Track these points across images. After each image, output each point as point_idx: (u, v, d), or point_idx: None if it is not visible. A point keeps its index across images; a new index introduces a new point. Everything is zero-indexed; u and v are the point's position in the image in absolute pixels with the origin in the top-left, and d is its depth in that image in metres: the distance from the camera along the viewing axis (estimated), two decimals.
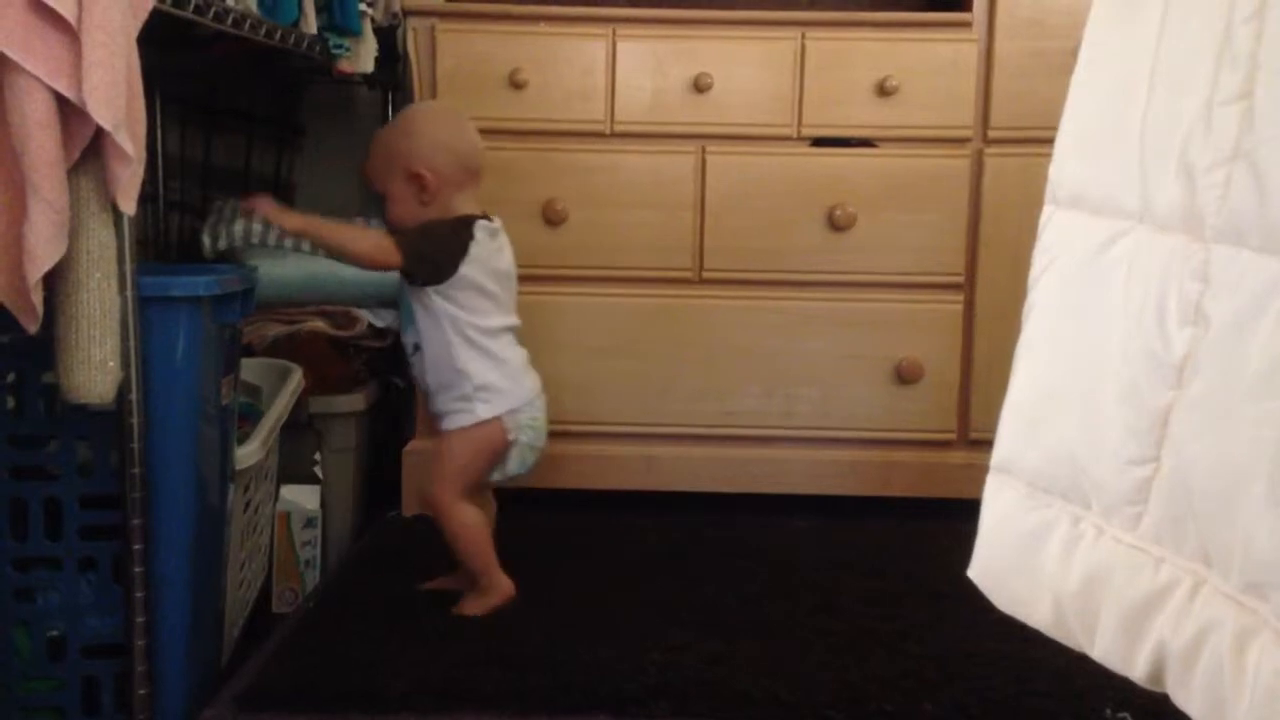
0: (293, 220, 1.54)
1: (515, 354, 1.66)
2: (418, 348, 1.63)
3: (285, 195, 2.53)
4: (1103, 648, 0.82)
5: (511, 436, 1.63)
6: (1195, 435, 0.74)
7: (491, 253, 1.63)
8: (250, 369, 1.80)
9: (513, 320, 1.67)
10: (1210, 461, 0.72)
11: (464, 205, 1.64)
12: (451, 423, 1.63)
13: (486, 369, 1.62)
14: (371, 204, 2.53)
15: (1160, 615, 0.76)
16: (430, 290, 1.59)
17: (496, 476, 1.67)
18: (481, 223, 1.63)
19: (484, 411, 1.61)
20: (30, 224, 1.12)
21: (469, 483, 1.63)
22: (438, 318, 1.60)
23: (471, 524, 1.63)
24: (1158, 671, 0.78)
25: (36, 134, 1.11)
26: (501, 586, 1.64)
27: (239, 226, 2.19)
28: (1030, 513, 0.88)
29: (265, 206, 1.55)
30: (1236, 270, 0.71)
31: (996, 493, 0.93)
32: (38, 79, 1.11)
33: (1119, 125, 0.83)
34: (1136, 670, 0.79)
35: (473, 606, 1.63)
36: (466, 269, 1.59)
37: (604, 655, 1.49)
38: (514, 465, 1.66)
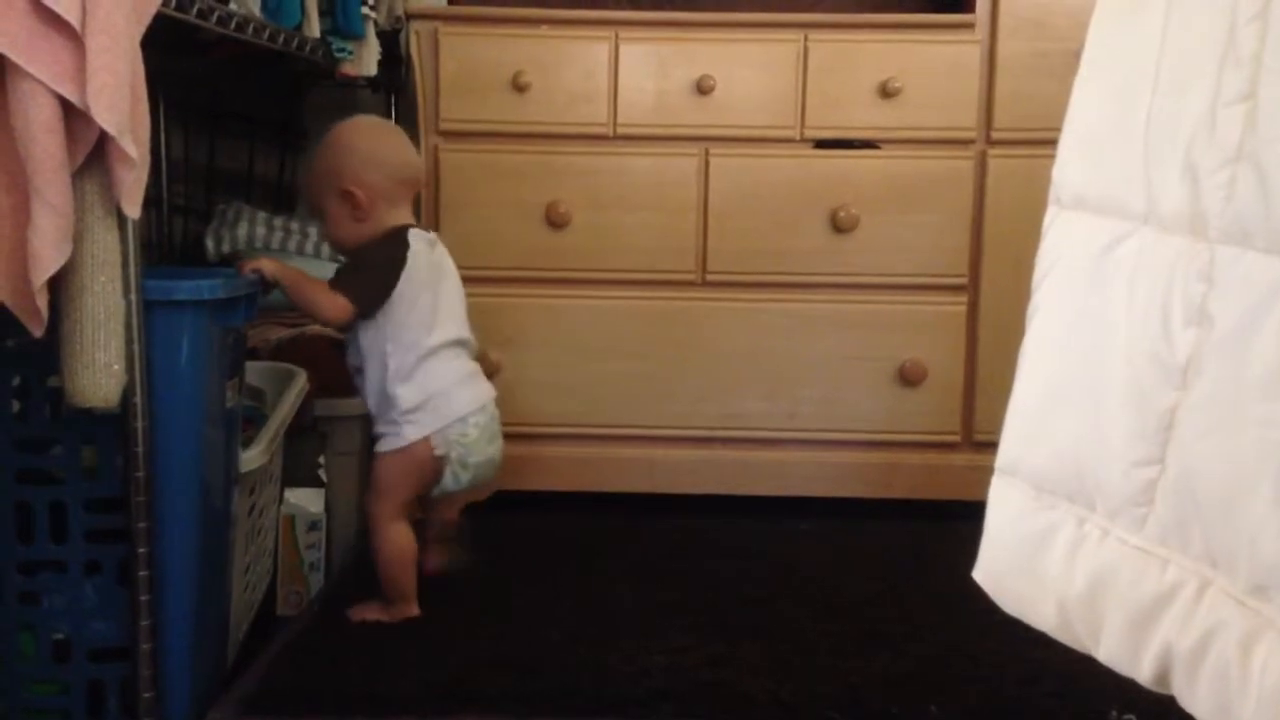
0: (270, 266, 1.53)
1: (452, 369, 1.64)
2: (359, 370, 1.64)
3: (288, 198, 2.54)
4: (1108, 650, 0.81)
5: (439, 453, 1.61)
6: (1200, 437, 0.74)
7: (429, 264, 1.63)
8: (254, 372, 1.80)
9: (454, 333, 1.65)
10: (1216, 463, 0.72)
11: (398, 218, 1.64)
12: (382, 445, 1.63)
13: (414, 393, 1.60)
14: None
15: (1166, 617, 0.76)
16: (379, 318, 1.59)
17: (438, 494, 1.67)
18: (416, 232, 1.63)
19: (410, 434, 1.61)
20: (35, 228, 1.13)
21: (400, 502, 1.63)
22: (374, 339, 1.61)
23: (397, 547, 1.62)
24: (1164, 673, 0.77)
25: (41, 138, 1.11)
26: (407, 611, 1.63)
27: (243, 230, 2.19)
28: (1035, 515, 0.88)
29: (260, 263, 1.54)
30: (1241, 271, 0.71)
31: (1001, 495, 0.93)
32: (42, 83, 1.11)
33: (1123, 126, 0.83)
34: (1143, 672, 0.79)
35: (373, 613, 1.63)
36: (401, 283, 1.59)
37: (608, 658, 1.49)
38: (448, 482, 1.64)
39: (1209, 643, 0.74)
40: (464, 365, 1.67)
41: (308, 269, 1.98)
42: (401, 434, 1.61)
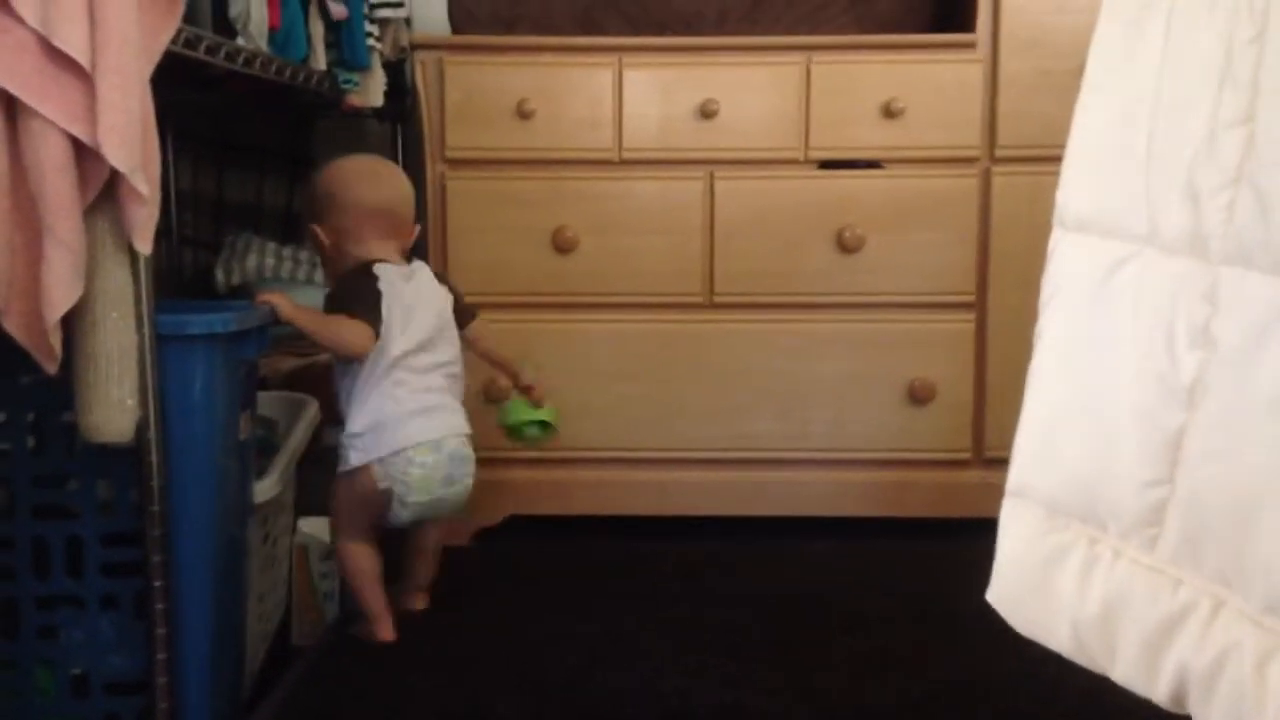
0: (288, 310, 1.53)
1: (413, 398, 1.63)
2: (338, 393, 1.68)
3: (296, 228, 2.55)
4: (1124, 670, 0.82)
5: (382, 485, 1.61)
6: (1209, 457, 0.74)
7: (400, 296, 1.64)
8: (266, 402, 1.81)
9: (428, 361, 1.66)
10: (1225, 483, 0.73)
11: (371, 252, 1.67)
12: (338, 466, 1.65)
13: (363, 418, 1.62)
14: None
15: (1180, 637, 0.76)
16: None
17: (395, 522, 1.67)
18: (383, 266, 1.65)
19: (354, 459, 1.62)
20: (48, 266, 1.14)
21: (353, 526, 1.65)
22: (347, 365, 1.64)
23: (356, 567, 1.65)
24: (1180, 693, 0.78)
25: (52, 177, 1.13)
26: (379, 633, 1.65)
27: (252, 261, 2.20)
28: (1047, 536, 0.89)
29: (274, 297, 1.56)
30: (1243, 292, 0.72)
31: (1013, 517, 0.94)
32: (53, 123, 1.12)
33: (1124, 149, 0.83)
34: (1158, 692, 0.79)
35: (358, 631, 1.67)
36: None
37: (623, 680, 1.49)
38: (395, 514, 1.64)
39: (1224, 662, 0.74)
40: (431, 398, 1.66)
41: (317, 298, 1.99)
42: (347, 459, 1.63)
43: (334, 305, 1.63)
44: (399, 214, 1.71)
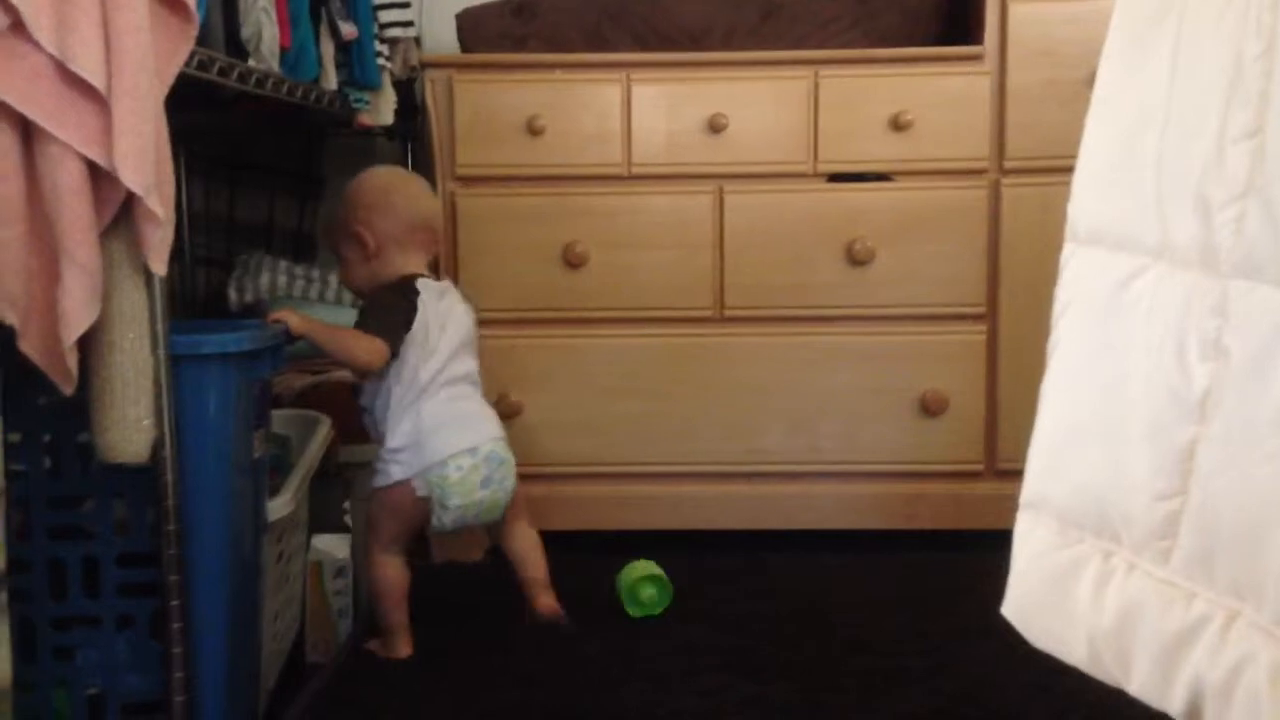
0: (300, 324, 1.55)
1: (449, 410, 1.67)
2: (367, 411, 1.69)
3: (307, 246, 2.57)
4: (1139, 683, 0.81)
5: (422, 494, 1.65)
6: (1221, 469, 0.74)
7: (436, 313, 1.67)
8: (278, 419, 1.81)
9: (458, 371, 1.69)
10: (1237, 495, 0.73)
11: (409, 265, 1.70)
12: (374, 481, 1.68)
13: (404, 433, 1.65)
14: None
15: (1195, 649, 0.76)
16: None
17: (431, 533, 1.71)
18: (425, 282, 1.68)
19: (397, 473, 1.65)
20: (64, 289, 1.15)
21: (390, 539, 1.67)
22: (380, 380, 1.65)
23: (386, 582, 1.67)
24: (1195, 706, 0.77)
25: (69, 200, 1.14)
26: (397, 649, 1.67)
27: (264, 279, 2.21)
28: (1061, 549, 0.89)
29: (285, 314, 1.57)
30: (1254, 305, 0.72)
31: (1027, 530, 0.94)
32: (69, 147, 1.13)
33: (1135, 162, 0.84)
34: (1174, 705, 0.79)
35: (374, 645, 1.69)
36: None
37: (640, 700, 1.49)
38: (433, 522, 1.67)
39: (1239, 674, 0.74)
40: (465, 406, 1.70)
41: (328, 316, 2.01)
42: (388, 473, 1.66)
43: (369, 313, 1.64)
44: (438, 228, 1.76)
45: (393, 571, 1.67)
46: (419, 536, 1.74)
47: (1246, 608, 0.73)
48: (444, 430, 1.66)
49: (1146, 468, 0.79)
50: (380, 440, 1.67)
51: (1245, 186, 0.73)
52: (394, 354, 1.63)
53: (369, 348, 1.60)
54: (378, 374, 1.66)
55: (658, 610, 1.79)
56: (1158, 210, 0.81)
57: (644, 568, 1.83)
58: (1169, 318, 0.78)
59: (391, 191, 1.70)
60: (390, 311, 1.64)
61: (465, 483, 1.65)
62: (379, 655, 1.67)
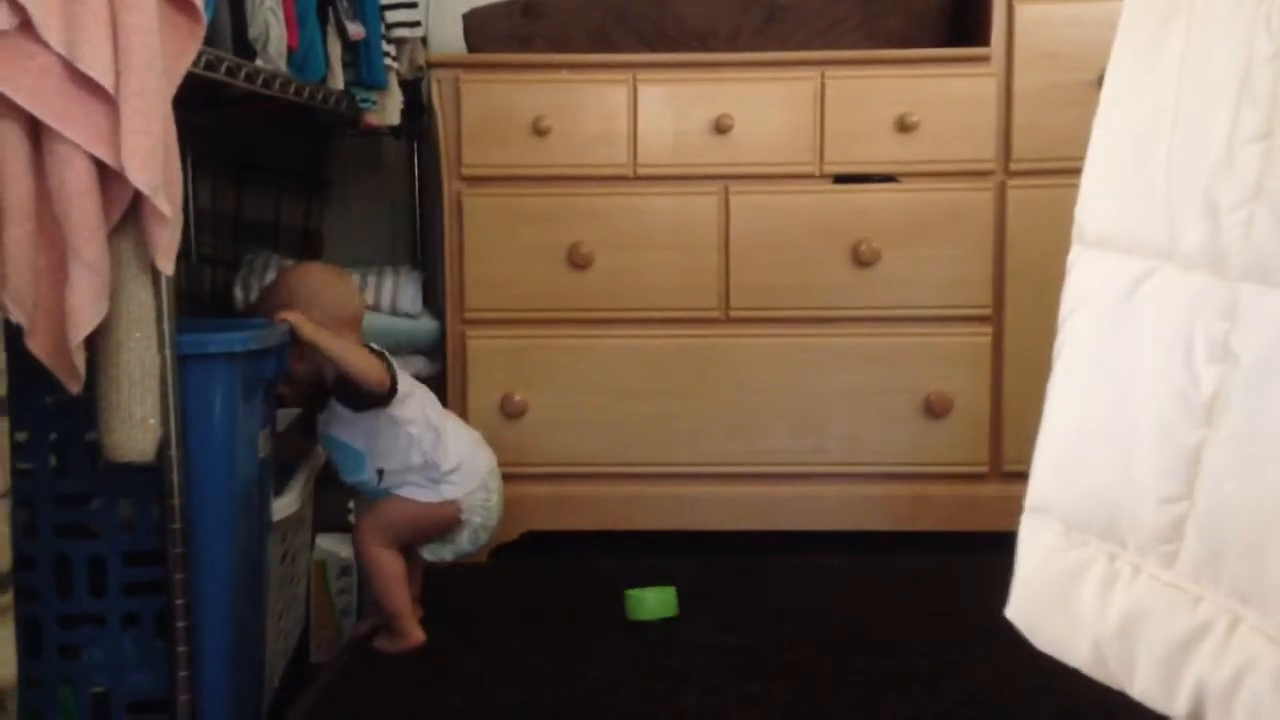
0: (308, 330, 1.58)
1: (467, 433, 1.76)
2: (381, 473, 1.70)
3: (313, 246, 2.57)
4: (1142, 686, 0.81)
5: (464, 517, 1.70)
6: (1228, 473, 0.74)
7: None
8: (284, 419, 1.82)
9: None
10: (1244, 499, 0.72)
11: None
12: (411, 492, 1.69)
13: (456, 453, 1.70)
14: (398, 252, 2.57)
15: (1199, 653, 0.76)
16: (393, 407, 1.67)
17: (448, 556, 1.74)
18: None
19: (447, 493, 1.69)
20: (72, 288, 1.15)
21: (401, 542, 1.70)
22: (401, 426, 1.67)
23: (389, 571, 1.69)
24: (1198, 710, 0.77)
25: (77, 199, 1.14)
26: (411, 635, 1.70)
27: (270, 279, 2.21)
28: (1067, 552, 0.88)
29: (292, 316, 1.58)
30: (1263, 308, 0.72)
31: (1033, 533, 0.93)
32: (77, 146, 1.13)
33: (1143, 165, 0.84)
34: (1177, 708, 0.79)
35: (384, 644, 1.70)
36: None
37: (642, 699, 1.49)
38: (465, 543, 1.73)
39: (1242, 679, 0.73)
40: (472, 431, 1.78)
41: None
42: (439, 491, 1.69)
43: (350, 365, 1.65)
44: (360, 316, 1.76)
45: (396, 562, 1.70)
46: None
47: (1251, 612, 0.73)
48: (475, 451, 1.73)
49: (1153, 471, 0.79)
50: (425, 467, 1.68)
51: (1255, 189, 0.73)
52: (392, 381, 1.65)
53: (375, 363, 1.64)
54: (393, 424, 1.68)
55: (658, 616, 1.79)
56: (1166, 213, 0.81)
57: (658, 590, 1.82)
58: (1177, 320, 0.78)
59: (320, 287, 1.71)
60: (370, 355, 1.66)
61: (498, 503, 1.74)
62: (389, 651, 1.67)
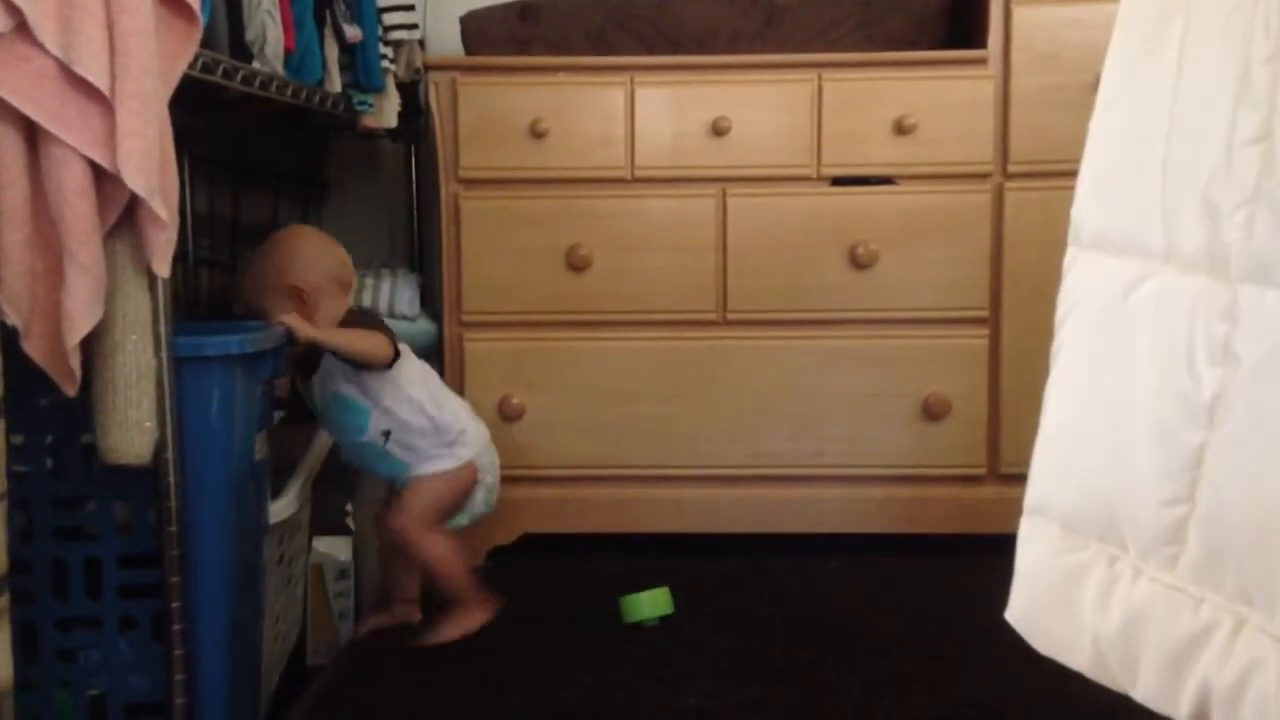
0: (307, 330, 1.58)
1: (459, 400, 1.83)
2: (388, 434, 1.71)
3: None
4: (1145, 689, 0.81)
5: (479, 477, 1.77)
6: (1230, 475, 0.74)
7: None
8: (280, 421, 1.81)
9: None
10: (1246, 501, 0.72)
11: (340, 308, 1.73)
12: (431, 467, 1.73)
13: (460, 415, 1.76)
14: (396, 255, 2.57)
15: (1203, 655, 0.76)
16: (394, 370, 1.70)
17: (464, 521, 1.78)
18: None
19: (464, 454, 1.75)
20: (68, 290, 1.15)
21: (442, 519, 1.74)
22: (402, 388, 1.71)
23: (446, 551, 1.73)
24: (1203, 711, 0.77)
25: (73, 202, 1.14)
26: (484, 603, 1.74)
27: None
28: (1066, 555, 0.88)
29: (290, 319, 1.59)
30: (1264, 310, 0.72)
31: (1032, 535, 0.93)
32: (74, 149, 1.13)
33: (1140, 167, 0.83)
34: (1181, 710, 0.79)
35: (454, 629, 1.72)
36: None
37: (641, 703, 1.49)
38: (480, 504, 1.79)
39: (1247, 680, 0.73)
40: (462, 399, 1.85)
41: None
42: (456, 454, 1.74)
43: (374, 326, 1.71)
44: (352, 274, 1.78)
45: (445, 537, 1.73)
46: None
47: (1255, 614, 0.73)
48: (470, 417, 1.79)
49: (1153, 473, 0.79)
50: (434, 433, 1.72)
51: (1254, 191, 0.72)
52: (395, 350, 1.68)
53: (377, 341, 1.66)
54: (378, 382, 1.70)
55: (654, 615, 1.78)
56: (1164, 215, 0.81)
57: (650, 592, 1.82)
58: (1176, 323, 0.78)
59: (317, 248, 1.73)
60: (368, 322, 1.71)
61: (496, 463, 1.81)
62: (462, 633, 1.71)
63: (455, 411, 1.76)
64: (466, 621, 1.72)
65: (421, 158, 2.48)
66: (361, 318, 1.75)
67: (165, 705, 1.32)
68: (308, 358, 1.72)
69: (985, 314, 2.10)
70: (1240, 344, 0.73)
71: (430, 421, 1.72)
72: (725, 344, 2.12)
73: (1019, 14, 2.05)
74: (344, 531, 1.96)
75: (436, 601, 1.81)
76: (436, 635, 1.70)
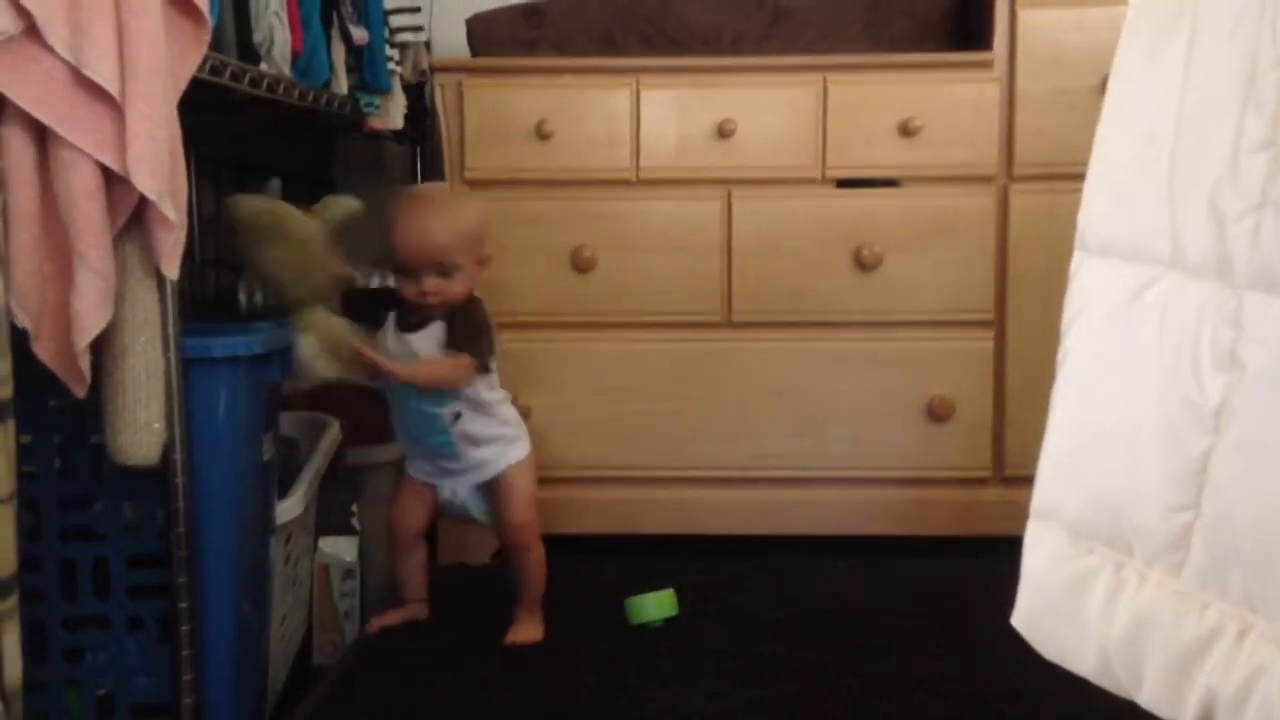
0: (406, 375, 1.63)
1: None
2: (459, 415, 1.70)
3: None
4: (1150, 694, 0.81)
5: None
6: (1236, 481, 0.74)
7: None
8: (287, 421, 1.82)
9: None
10: (1252, 507, 0.73)
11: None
12: (508, 458, 1.74)
13: (512, 410, 1.78)
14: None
15: (1208, 661, 0.76)
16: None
17: (486, 521, 1.79)
18: None
19: (527, 443, 1.77)
20: (78, 292, 1.15)
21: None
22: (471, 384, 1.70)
23: (543, 556, 1.77)
24: (1207, 717, 0.77)
25: (83, 204, 1.14)
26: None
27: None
28: (1072, 560, 0.89)
29: (390, 367, 1.61)
30: (1270, 316, 0.72)
31: (1037, 540, 0.94)
32: (83, 151, 1.14)
33: (1147, 172, 0.84)
34: (1185, 716, 0.79)
35: (532, 632, 1.74)
36: None
37: (646, 703, 1.49)
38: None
39: (1253, 686, 0.74)
40: None
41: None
42: (525, 442, 1.77)
43: (467, 335, 1.68)
44: None
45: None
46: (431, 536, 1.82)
47: (1260, 619, 0.73)
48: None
49: (1159, 479, 0.79)
50: (500, 421, 1.74)
51: (1261, 197, 0.73)
52: (484, 369, 1.69)
53: (463, 371, 1.66)
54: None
55: (659, 617, 1.78)
56: (1170, 220, 0.81)
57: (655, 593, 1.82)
58: (1182, 328, 0.78)
59: (483, 224, 1.74)
60: (487, 333, 1.69)
61: None
62: (537, 638, 1.72)
63: (510, 406, 1.78)
64: (537, 627, 1.75)
65: (427, 159, 2.49)
66: (472, 309, 1.71)
67: (172, 705, 1.32)
68: (370, 307, 1.73)
69: (990, 317, 2.10)
70: (1245, 350, 0.73)
71: (491, 418, 1.72)
72: (730, 345, 2.12)
73: (1024, 17, 2.05)
74: (349, 531, 1.96)
75: (443, 600, 1.81)
76: (517, 637, 1.72)
